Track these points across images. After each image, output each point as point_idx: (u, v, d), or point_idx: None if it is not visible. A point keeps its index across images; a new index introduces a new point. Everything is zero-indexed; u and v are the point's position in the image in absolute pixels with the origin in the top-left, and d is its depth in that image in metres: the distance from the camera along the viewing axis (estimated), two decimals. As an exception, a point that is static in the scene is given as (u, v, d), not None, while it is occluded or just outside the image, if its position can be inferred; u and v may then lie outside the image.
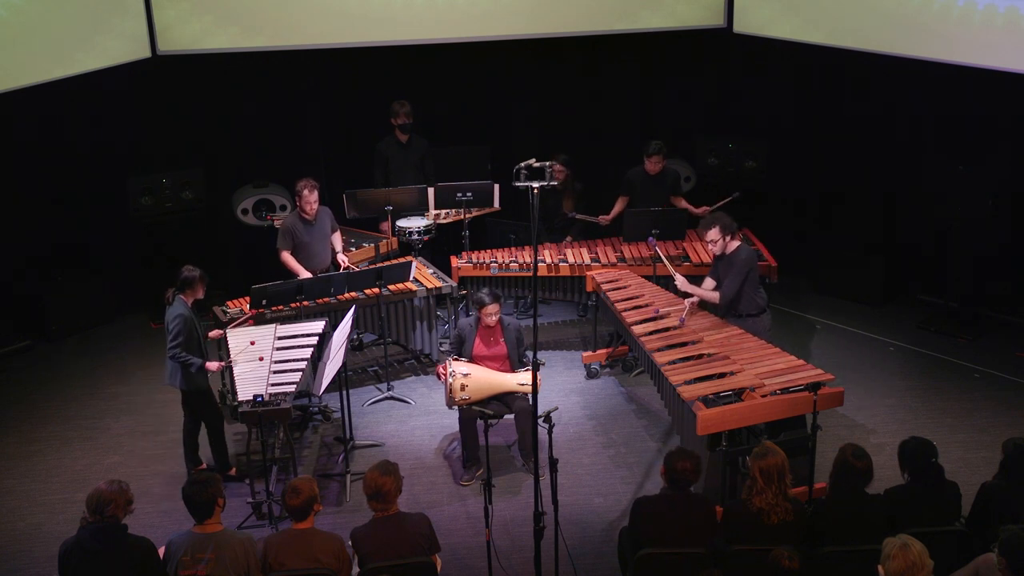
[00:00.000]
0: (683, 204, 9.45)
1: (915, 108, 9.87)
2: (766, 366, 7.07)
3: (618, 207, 9.56)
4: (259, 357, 7.33)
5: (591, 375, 8.98)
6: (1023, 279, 9.55)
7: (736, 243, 7.83)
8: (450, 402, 7.46)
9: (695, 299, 7.94)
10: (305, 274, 8.61)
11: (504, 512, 7.20)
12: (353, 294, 8.55)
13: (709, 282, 8.04)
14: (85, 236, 10.14)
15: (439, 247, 9.86)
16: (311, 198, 8.58)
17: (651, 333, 7.72)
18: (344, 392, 7.66)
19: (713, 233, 7.77)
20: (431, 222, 9.53)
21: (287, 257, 8.72)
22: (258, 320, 8.08)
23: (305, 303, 8.34)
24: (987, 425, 8.05)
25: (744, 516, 5.67)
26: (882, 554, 4.85)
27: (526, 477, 7.61)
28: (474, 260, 9.17)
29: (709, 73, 11.08)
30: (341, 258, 8.88)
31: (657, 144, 9.31)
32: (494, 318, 7.65)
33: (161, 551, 5.51)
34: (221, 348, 7.71)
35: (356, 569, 5.57)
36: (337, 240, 8.99)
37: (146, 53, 9.88)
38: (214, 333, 7.66)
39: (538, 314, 7.89)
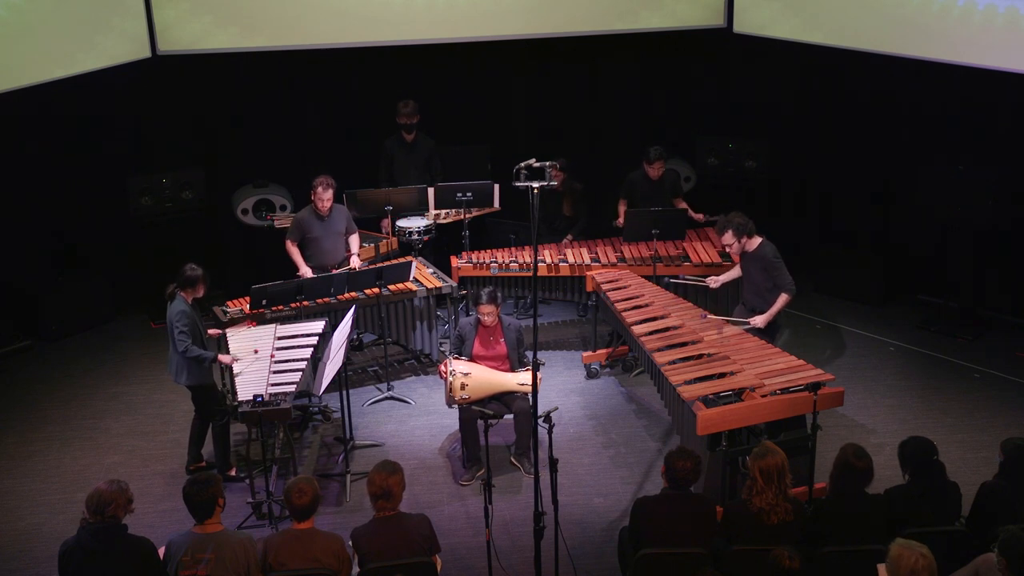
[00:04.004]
0: (683, 205, 9.47)
1: (915, 108, 9.87)
2: (766, 366, 7.07)
3: (623, 210, 9.56)
4: (254, 350, 7.39)
5: (591, 375, 8.98)
6: (1023, 279, 9.55)
7: (757, 239, 7.90)
8: (450, 401, 7.46)
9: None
10: (304, 268, 8.69)
11: (504, 512, 7.20)
12: (353, 294, 8.55)
13: (737, 269, 8.27)
14: (85, 236, 10.14)
15: (439, 247, 9.86)
16: (324, 196, 8.66)
17: (651, 333, 7.72)
18: (344, 392, 7.66)
19: (728, 237, 7.89)
20: (431, 222, 9.54)
21: (291, 248, 8.86)
22: (258, 320, 8.08)
23: (305, 303, 8.34)
24: (987, 425, 8.05)
25: (744, 516, 5.67)
26: (887, 556, 4.86)
27: (526, 477, 7.62)
28: (474, 260, 9.17)
29: (709, 73, 11.08)
30: (354, 260, 8.90)
31: (657, 150, 9.31)
32: (488, 318, 7.65)
33: (161, 551, 5.51)
34: (221, 348, 7.72)
35: (356, 569, 5.57)
36: (355, 242, 9.00)
37: (146, 53, 9.88)
38: (213, 332, 7.69)
39: (538, 314, 7.89)
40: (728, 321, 7.86)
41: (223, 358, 7.38)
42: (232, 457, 7.69)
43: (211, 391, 7.52)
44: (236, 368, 7.32)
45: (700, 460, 5.84)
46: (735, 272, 8.33)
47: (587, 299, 9.13)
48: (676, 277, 8.63)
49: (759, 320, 7.82)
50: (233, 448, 7.74)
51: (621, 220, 9.49)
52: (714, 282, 8.36)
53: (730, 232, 7.85)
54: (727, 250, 8.09)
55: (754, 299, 7.99)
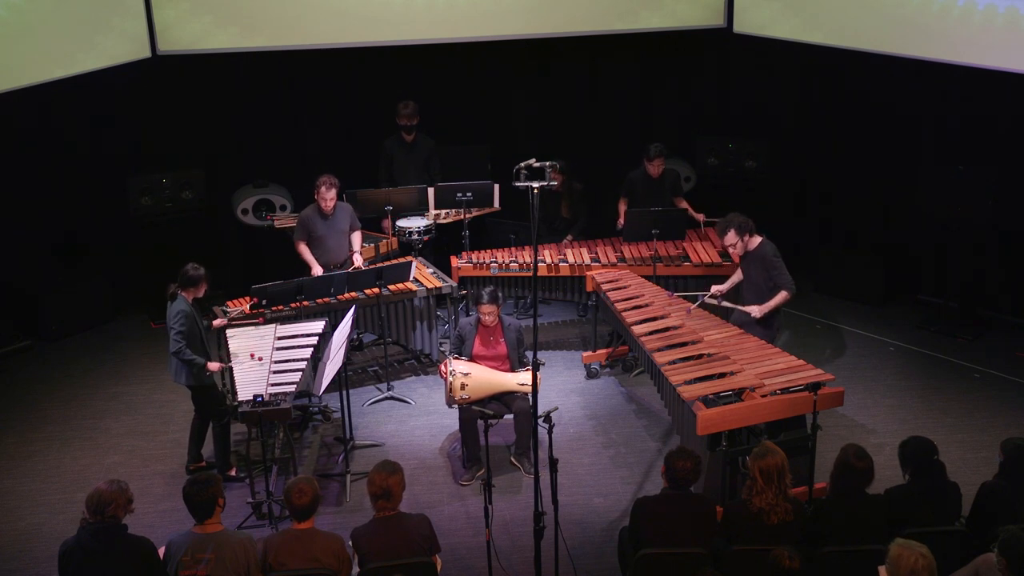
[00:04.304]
0: (684, 204, 9.47)
1: (915, 108, 9.87)
2: (766, 366, 7.07)
3: (624, 210, 9.55)
4: (258, 358, 7.39)
5: (591, 375, 8.98)
6: (1023, 279, 9.55)
7: (757, 238, 7.91)
8: (450, 401, 7.46)
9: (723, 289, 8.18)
10: (317, 268, 8.74)
11: (504, 512, 7.20)
12: (353, 294, 8.56)
13: (739, 273, 8.20)
14: (85, 236, 10.14)
15: (439, 247, 9.86)
16: (327, 195, 8.72)
17: (651, 333, 7.71)
18: (344, 392, 7.66)
19: (730, 237, 7.87)
20: (431, 222, 9.54)
21: (302, 248, 8.90)
22: (255, 320, 8.08)
23: (305, 303, 8.34)
24: (987, 425, 8.05)
25: (744, 516, 5.67)
26: (887, 556, 4.86)
27: (526, 477, 7.62)
28: (474, 260, 9.17)
29: (709, 73, 11.08)
30: (356, 257, 8.93)
31: (657, 147, 9.31)
32: (488, 318, 7.65)
33: (161, 551, 5.51)
34: (221, 348, 7.72)
35: (356, 569, 5.57)
36: (356, 240, 9.04)
37: (146, 53, 9.88)
38: (217, 322, 7.70)
39: (538, 314, 7.89)
40: (728, 304, 7.89)
41: (211, 366, 7.34)
42: (232, 457, 7.69)
43: (211, 391, 7.52)
44: (236, 369, 7.32)
45: (700, 460, 5.84)
46: (736, 278, 8.29)
47: (587, 299, 9.13)
48: (688, 297, 8.33)
49: (755, 309, 7.82)
50: (233, 448, 7.74)
51: (622, 220, 9.49)
52: (719, 291, 8.26)
53: (732, 232, 7.84)
54: (730, 251, 8.05)
55: (754, 298, 7.99)
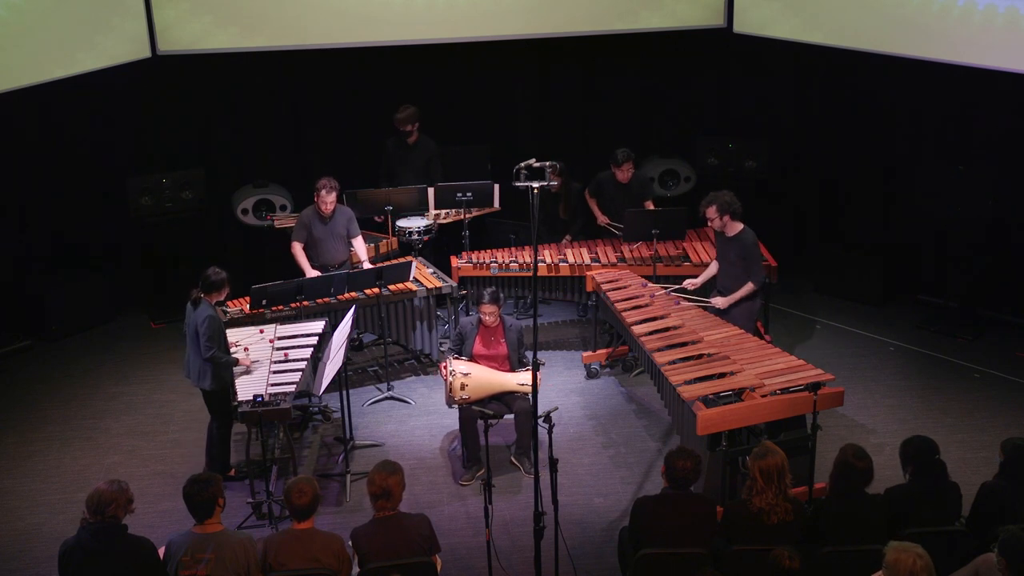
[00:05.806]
0: (651, 207, 9.44)
1: (915, 108, 9.87)
2: (766, 366, 7.07)
3: (595, 206, 9.59)
4: (244, 348, 7.49)
5: (591, 375, 8.98)
6: (1023, 280, 9.55)
7: (739, 225, 7.92)
8: (450, 401, 7.47)
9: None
10: (310, 271, 8.68)
11: (504, 512, 7.20)
12: (353, 294, 8.56)
13: (714, 266, 8.27)
14: (85, 236, 10.14)
15: (439, 247, 9.86)
16: (328, 199, 8.69)
17: (651, 333, 7.72)
18: (344, 392, 7.66)
19: (711, 211, 7.90)
20: (431, 222, 9.54)
21: (297, 250, 8.83)
22: (258, 321, 8.08)
23: (305, 303, 8.34)
24: (987, 425, 8.05)
25: (744, 516, 5.68)
26: (883, 562, 4.85)
27: (526, 477, 7.62)
28: (474, 260, 9.17)
29: (709, 73, 11.07)
30: (366, 264, 8.90)
31: (624, 152, 9.26)
32: (489, 318, 7.66)
33: (161, 551, 5.51)
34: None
35: (356, 569, 5.58)
36: (361, 247, 8.98)
37: (146, 53, 9.88)
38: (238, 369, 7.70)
39: (538, 314, 7.89)
40: (687, 298, 8.00)
41: (243, 361, 7.38)
42: (231, 458, 7.69)
43: (225, 395, 7.50)
44: (236, 370, 7.32)
45: (700, 460, 5.84)
46: (709, 272, 8.33)
47: (587, 299, 9.13)
48: (681, 290, 8.38)
49: (720, 301, 7.88)
50: (232, 449, 7.74)
51: (601, 218, 9.48)
52: (691, 285, 8.33)
53: (715, 207, 7.86)
54: (708, 224, 8.05)
55: (730, 283, 7.98)
